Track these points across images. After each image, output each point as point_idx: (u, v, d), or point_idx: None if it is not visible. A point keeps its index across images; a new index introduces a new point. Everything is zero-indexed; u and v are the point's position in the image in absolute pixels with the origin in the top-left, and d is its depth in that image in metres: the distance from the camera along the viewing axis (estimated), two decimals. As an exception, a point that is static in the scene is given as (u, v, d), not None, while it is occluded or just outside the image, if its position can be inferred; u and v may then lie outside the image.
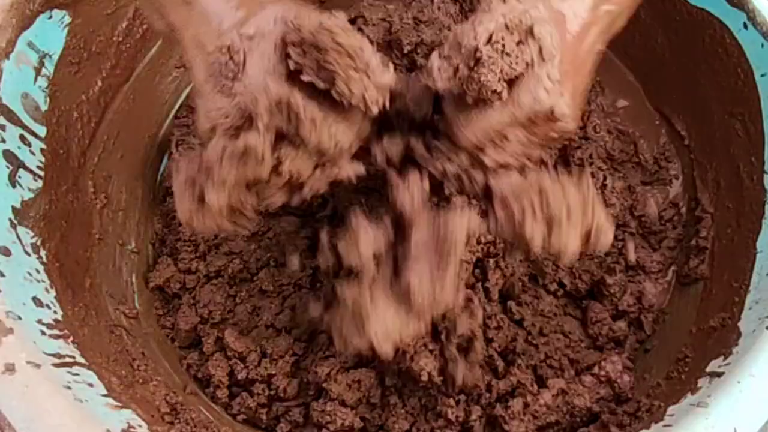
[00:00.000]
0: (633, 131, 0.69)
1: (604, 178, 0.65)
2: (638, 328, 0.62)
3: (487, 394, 0.57)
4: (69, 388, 0.44)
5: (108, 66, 0.61)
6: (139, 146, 0.68)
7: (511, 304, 0.61)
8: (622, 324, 0.61)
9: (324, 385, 0.58)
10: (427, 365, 0.53)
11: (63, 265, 0.54)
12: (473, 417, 0.56)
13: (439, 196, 0.49)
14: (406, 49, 0.65)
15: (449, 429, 0.56)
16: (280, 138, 0.41)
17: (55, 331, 0.49)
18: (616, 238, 0.62)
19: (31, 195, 0.53)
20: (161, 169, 0.71)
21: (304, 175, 0.43)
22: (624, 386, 0.57)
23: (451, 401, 0.56)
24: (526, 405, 0.55)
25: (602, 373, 0.57)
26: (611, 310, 0.62)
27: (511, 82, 0.41)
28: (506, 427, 0.55)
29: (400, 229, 0.46)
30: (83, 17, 0.57)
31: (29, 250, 0.51)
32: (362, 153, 0.46)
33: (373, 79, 0.40)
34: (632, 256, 0.63)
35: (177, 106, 0.71)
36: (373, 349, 0.44)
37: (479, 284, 0.60)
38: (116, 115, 0.64)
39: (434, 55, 0.42)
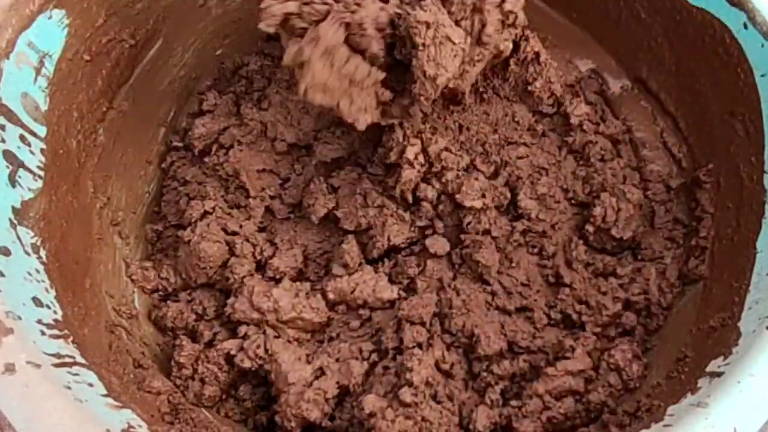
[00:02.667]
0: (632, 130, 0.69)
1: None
2: (646, 318, 0.62)
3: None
4: (69, 388, 0.44)
5: (108, 66, 0.61)
6: (139, 146, 0.68)
7: None
8: (631, 314, 0.61)
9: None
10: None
11: (63, 265, 0.54)
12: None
13: None
14: None
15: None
16: None
17: (55, 331, 0.48)
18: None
19: (31, 195, 0.53)
20: (161, 169, 0.71)
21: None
22: (632, 374, 0.57)
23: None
24: (538, 395, 0.56)
25: (611, 360, 0.57)
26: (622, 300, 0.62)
27: None
28: (516, 425, 0.55)
29: None
30: (83, 17, 0.57)
31: (29, 250, 0.51)
32: None
33: None
34: None
35: (175, 108, 0.71)
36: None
37: None
38: (116, 115, 0.64)
39: None
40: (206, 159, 0.67)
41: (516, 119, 0.66)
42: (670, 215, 0.65)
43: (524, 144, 0.66)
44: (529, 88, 0.65)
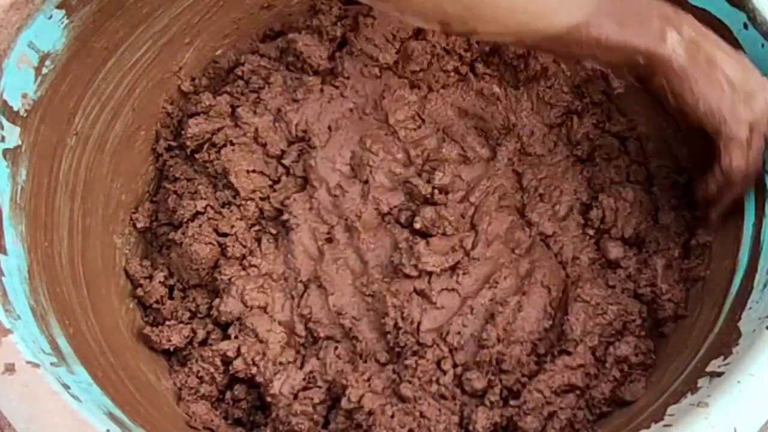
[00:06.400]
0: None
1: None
2: (655, 312, 0.61)
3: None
4: (69, 387, 0.44)
5: (108, 65, 0.61)
6: (139, 146, 0.68)
7: None
8: (640, 305, 0.61)
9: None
10: None
11: (61, 263, 0.54)
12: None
13: None
14: None
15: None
16: None
17: (56, 331, 0.49)
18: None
19: (31, 193, 0.53)
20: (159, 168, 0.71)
21: None
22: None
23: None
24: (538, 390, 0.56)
25: (617, 353, 0.57)
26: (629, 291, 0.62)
27: None
28: (520, 424, 0.55)
29: None
30: (83, 17, 0.57)
31: (28, 248, 0.51)
32: None
33: None
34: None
35: (175, 108, 0.71)
36: None
37: None
38: (116, 114, 0.64)
39: None
40: (196, 155, 0.67)
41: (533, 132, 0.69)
42: (677, 210, 0.65)
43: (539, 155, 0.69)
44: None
